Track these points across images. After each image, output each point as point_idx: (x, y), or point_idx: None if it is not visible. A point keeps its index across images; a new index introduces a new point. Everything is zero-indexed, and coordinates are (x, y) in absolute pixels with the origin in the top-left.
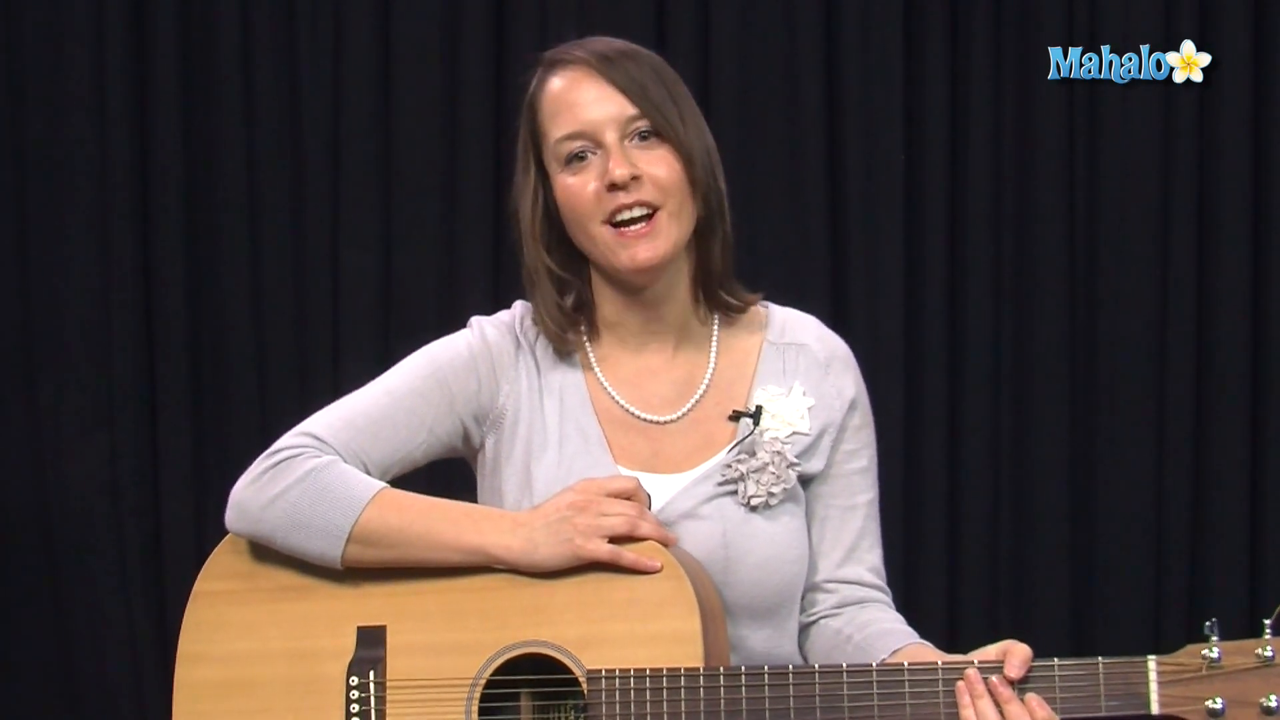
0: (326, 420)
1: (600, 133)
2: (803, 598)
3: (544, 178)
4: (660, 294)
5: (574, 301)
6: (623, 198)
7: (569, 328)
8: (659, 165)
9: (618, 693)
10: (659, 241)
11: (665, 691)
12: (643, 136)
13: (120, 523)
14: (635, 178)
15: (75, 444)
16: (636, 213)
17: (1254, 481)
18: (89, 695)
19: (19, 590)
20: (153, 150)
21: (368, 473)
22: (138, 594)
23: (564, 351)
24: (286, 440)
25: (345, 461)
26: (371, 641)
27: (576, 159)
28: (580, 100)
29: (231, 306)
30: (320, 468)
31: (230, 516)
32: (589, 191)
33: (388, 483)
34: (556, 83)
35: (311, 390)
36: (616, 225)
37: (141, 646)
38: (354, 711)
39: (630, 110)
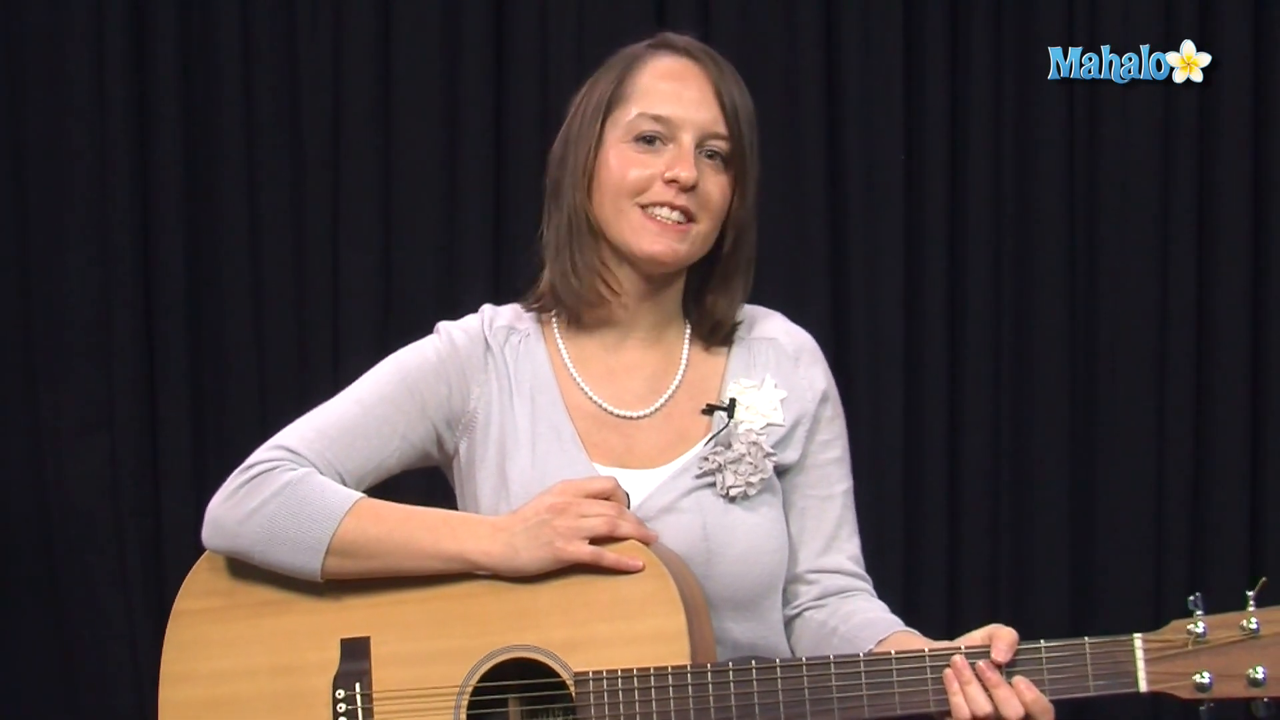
0: (299, 432)
1: (682, 130)
2: (785, 590)
3: (601, 137)
4: (663, 292)
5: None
6: (671, 196)
7: (591, 281)
8: (715, 187)
9: (606, 694)
10: (681, 247)
11: (653, 691)
12: (711, 155)
13: (120, 523)
14: (694, 187)
15: (75, 444)
16: (675, 215)
17: (1254, 480)
18: (89, 695)
19: (19, 590)
20: (153, 150)
21: (343, 483)
22: (138, 594)
23: (583, 313)
24: (261, 454)
25: (321, 473)
26: (356, 653)
27: (644, 140)
28: (682, 92)
29: (231, 307)
30: (296, 480)
31: (207, 533)
32: (642, 175)
33: (364, 492)
34: (669, 61)
35: (311, 390)
36: (647, 210)
37: (141, 646)
38: None
39: (720, 127)
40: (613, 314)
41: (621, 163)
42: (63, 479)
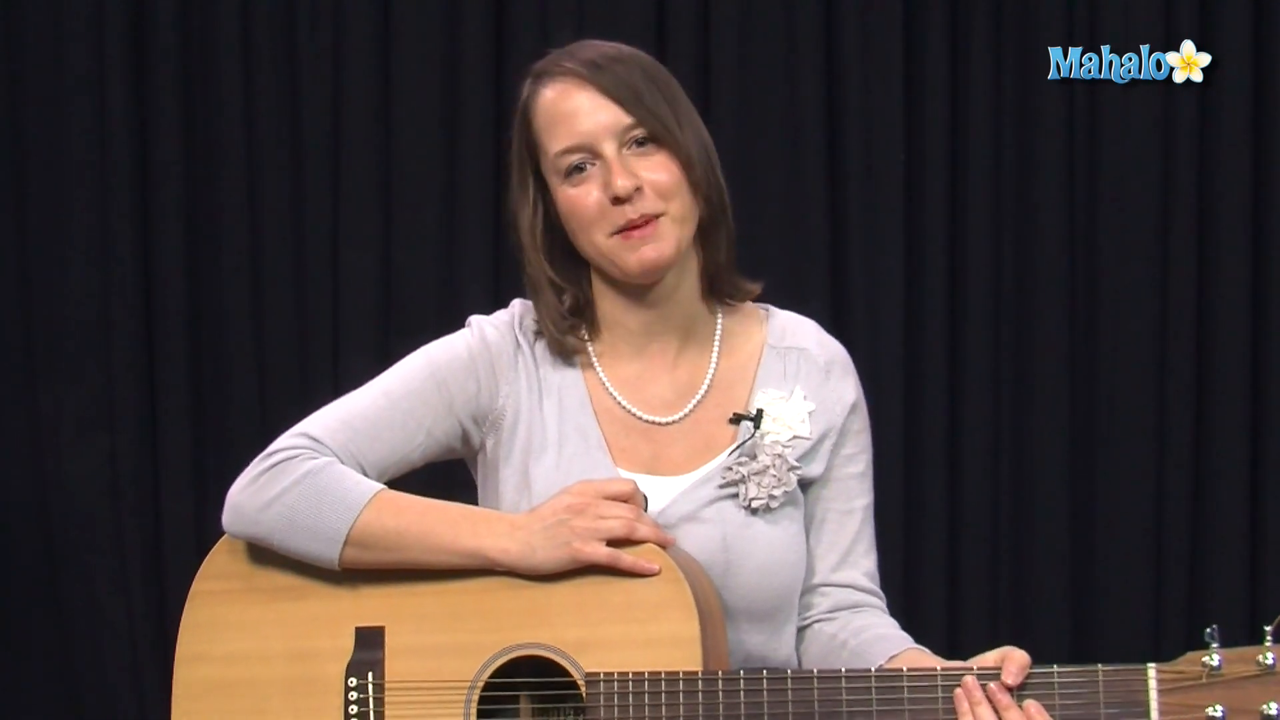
0: (323, 421)
1: (598, 144)
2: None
3: (542, 188)
4: (664, 294)
5: (575, 304)
6: (628, 211)
7: (572, 334)
8: (659, 171)
9: (616, 696)
10: (663, 244)
11: (664, 695)
12: (640, 143)
13: (120, 523)
14: (638, 189)
15: (75, 444)
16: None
17: (1254, 483)
18: (89, 695)
19: (19, 590)
20: (153, 150)
21: (365, 474)
22: (138, 594)
23: (565, 352)
24: (284, 441)
25: (342, 463)
26: (370, 643)
27: (576, 171)
28: (574, 111)
29: (231, 307)
30: (317, 469)
31: (227, 518)
32: (592, 202)
33: (385, 484)
34: (548, 94)
35: (311, 390)
36: (621, 231)
37: (141, 646)
38: (353, 713)
39: (625, 119)
40: (621, 330)
41: (571, 202)
42: (63, 479)
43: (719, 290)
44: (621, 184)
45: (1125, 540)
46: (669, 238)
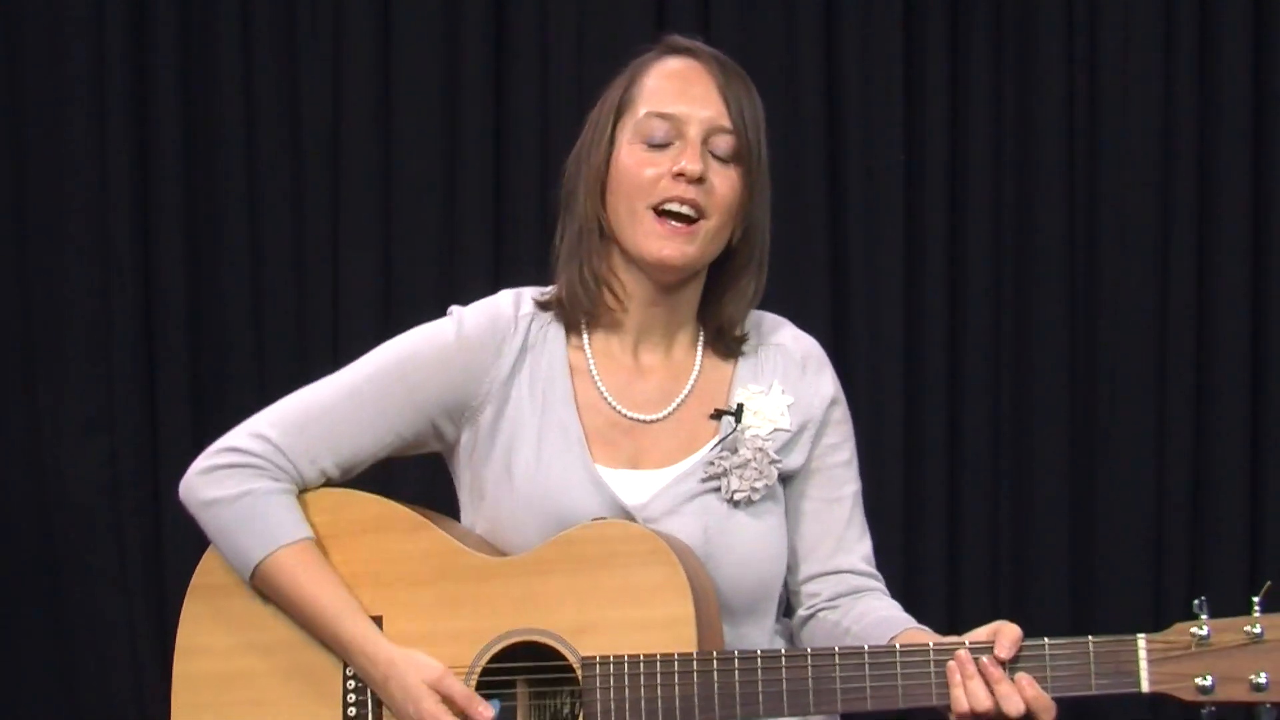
0: (287, 419)
1: (688, 125)
2: (798, 592)
3: (613, 143)
4: (674, 298)
5: (593, 280)
6: (681, 190)
7: (598, 290)
8: (724, 183)
9: (612, 679)
10: (691, 248)
11: (659, 676)
12: (720, 154)
13: (120, 523)
14: (701, 179)
15: (75, 444)
16: (685, 210)
17: (1254, 481)
18: (89, 695)
19: (19, 590)
20: (153, 150)
21: (324, 474)
22: (138, 594)
23: (572, 323)
24: (243, 440)
25: (294, 466)
26: None
27: (655, 146)
28: (687, 89)
29: (231, 306)
30: (258, 493)
31: (181, 491)
32: (652, 173)
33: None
34: (674, 63)
35: None
36: (660, 214)
37: (141, 646)
38: (351, 701)
39: (724, 122)
40: (625, 319)
41: (633, 163)
42: (63, 479)
43: (719, 338)
44: (692, 166)
45: (1125, 537)
46: (697, 245)
